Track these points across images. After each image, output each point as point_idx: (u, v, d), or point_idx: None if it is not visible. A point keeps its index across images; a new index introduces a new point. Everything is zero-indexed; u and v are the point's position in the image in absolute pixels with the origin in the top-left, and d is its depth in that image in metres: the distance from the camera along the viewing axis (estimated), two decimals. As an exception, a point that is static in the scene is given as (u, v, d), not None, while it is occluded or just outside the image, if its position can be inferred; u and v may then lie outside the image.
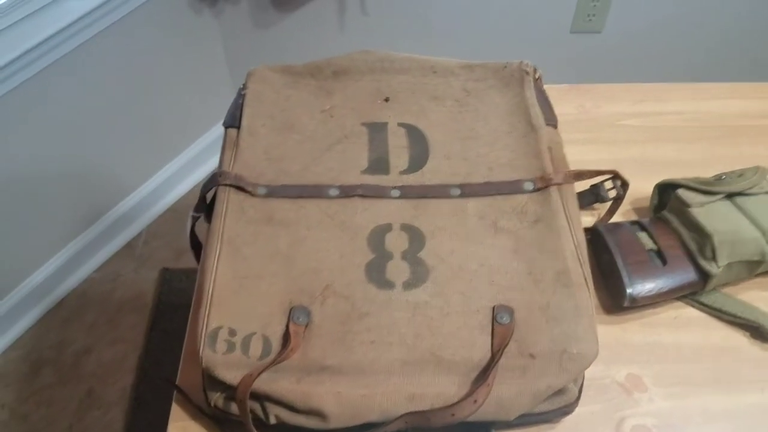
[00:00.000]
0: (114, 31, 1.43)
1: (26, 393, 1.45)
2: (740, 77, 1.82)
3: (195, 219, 0.66)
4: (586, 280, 0.55)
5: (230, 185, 0.61)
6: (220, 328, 0.52)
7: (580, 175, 0.63)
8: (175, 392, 0.57)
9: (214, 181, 0.62)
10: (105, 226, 1.65)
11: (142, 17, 1.49)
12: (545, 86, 0.83)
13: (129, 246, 1.72)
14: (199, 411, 0.55)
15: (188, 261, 1.66)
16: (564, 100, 0.83)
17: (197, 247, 0.69)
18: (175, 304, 1.58)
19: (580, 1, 1.68)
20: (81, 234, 1.61)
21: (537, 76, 0.73)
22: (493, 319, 0.54)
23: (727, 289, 0.63)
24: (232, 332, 0.52)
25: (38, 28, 1.26)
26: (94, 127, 1.51)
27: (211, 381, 0.52)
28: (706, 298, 0.62)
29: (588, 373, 0.58)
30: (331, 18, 1.71)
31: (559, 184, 0.62)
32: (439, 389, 0.51)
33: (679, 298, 0.63)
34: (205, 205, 0.65)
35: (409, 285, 0.56)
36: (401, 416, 0.49)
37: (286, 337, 0.52)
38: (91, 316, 1.58)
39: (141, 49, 1.53)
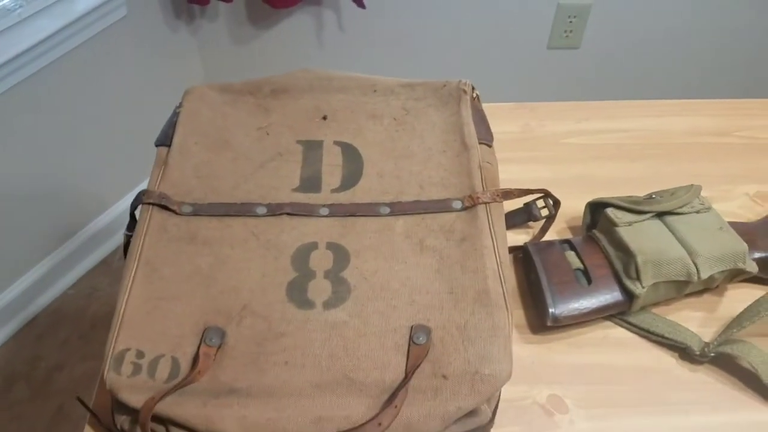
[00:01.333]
0: (89, 47, 1.44)
1: (-3, 409, 1.45)
2: (718, 92, 1.82)
3: (128, 237, 0.66)
4: (505, 300, 0.55)
5: (153, 204, 0.61)
6: (127, 350, 0.52)
7: (509, 194, 0.63)
8: (88, 414, 0.56)
9: (138, 199, 0.62)
10: (80, 242, 1.65)
11: (118, 34, 1.50)
12: (495, 104, 0.83)
13: (104, 262, 1.72)
14: (109, 433, 0.54)
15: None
16: (509, 118, 0.83)
17: (134, 265, 0.69)
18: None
19: (557, 18, 1.68)
20: (56, 250, 1.61)
21: (474, 95, 0.73)
22: (410, 338, 0.53)
23: (658, 309, 0.62)
24: (140, 354, 0.52)
25: (5, 47, 1.27)
26: (69, 143, 1.51)
27: (118, 404, 0.51)
28: (634, 318, 0.61)
29: (508, 393, 0.57)
30: (309, 34, 1.72)
31: (487, 203, 0.62)
32: (347, 412, 0.50)
33: (608, 318, 0.62)
34: (135, 222, 0.64)
35: (328, 304, 0.55)
36: (306, 439, 0.49)
37: (196, 359, 0.52)
38: (64, 333, 1.58)
39: (117, 66, 1.54)
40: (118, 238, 1.75)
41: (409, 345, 0.53)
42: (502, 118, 0.81)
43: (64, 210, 1.59)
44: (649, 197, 0.64)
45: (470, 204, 0.62)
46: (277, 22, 1.70)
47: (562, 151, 0.79)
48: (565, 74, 1.80)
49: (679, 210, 0.63)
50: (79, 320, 1.60)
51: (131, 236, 0.66)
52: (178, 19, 1.65)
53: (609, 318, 0.62)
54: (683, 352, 0.60)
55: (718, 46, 1.72)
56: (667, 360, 0.60)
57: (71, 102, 1.47)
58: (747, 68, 1.78)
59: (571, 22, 1.69)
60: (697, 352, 0.58)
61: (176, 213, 0.61)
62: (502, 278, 0.56)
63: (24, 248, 1.54)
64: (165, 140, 0.68)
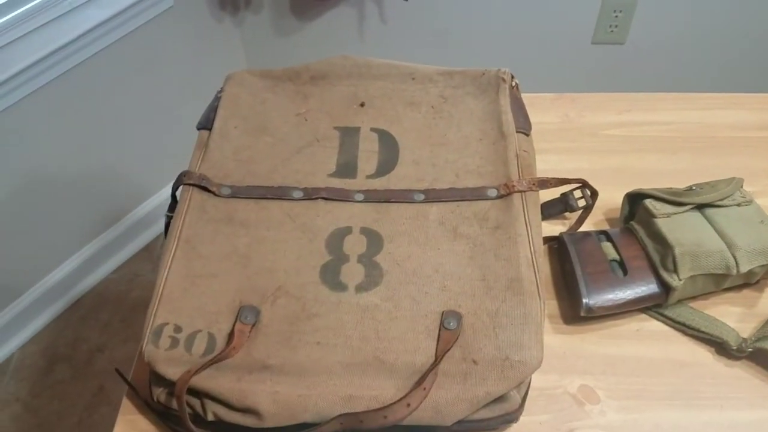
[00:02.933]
0: (136, 37, 1.47)
1: (40, 387, 1.50)
2: (764, 87, 1.77)
3: (169, 218, 0.68)
4: (538, 288, 0.55)
5: (193, 185, 0.63)
6: (165, 324, 0.53)
7: (545, 182, 0.63)
8: (126, 387, 0.58)
9: (179, 180, 0.63)
10: (124, 229, 1.70)
11: (164, 24, 1.53)
12: (534, 94, 0.82)
13: (147, 248, 1.76)
14: (146, 405, 0.56)
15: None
16: (549, 108, 0.82)
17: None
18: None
19: (602, 12, 1.66)
20: (100, 235, 1.66)
21: (513, 84, 0.72)
22: (441, 323, 0.53)
23: (695, 303, 0.61)
24: (178, 329, 0.53)
25: (55, 36, 1.31)
26: (115, 131, 1.55)
27: (156, 376, 0.53)
28: (670, 312, 0.60)
29: (539, 382, 0.57)
30: (351, 26, 1.73)
31: (522, 192, 0.61)
32: (376, 392, 0.51)
33: (643, 311, 0.61)
34: (176, 204, 0.66)
35: (361, 288, 0.56)
36: (336, 417, 0.49)
37: (231, 336, 0.53)
38: (106, 315, 1.62)
39: (163, 56, 1.57)
40: (161, 225, 1.79)
41: (439, 330, 0.53)
42: (541, 108, 0.80)
43: (109, 196, 1.63)
44: (690, 189, 0.63)
45: (505, 192, 0.61)
46: (320, 14, 1.71)
47: (601, 142, 0.78)
48: (609, 70, 1.77)
49: (720, 202, 0.61)
50: (121, 304, 1.64)
51: (171, 217, 0.68)
52: (223, 10, 1.68)
53: (644, 310, 0.61)
54: (720, 347, 0.58)
55: (765, 41, 1.67)
56: (703, 354, 0.58)
57: (117, 91, 1.51)
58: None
59: (616, 16, 1.67)
60: (734, 348, 0.57)
61: (215, 194, 0.62)
62: (536, 267, 0.56)
63: (70, 233, 1.58)
64: (206, 124, 0.69)
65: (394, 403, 0.49)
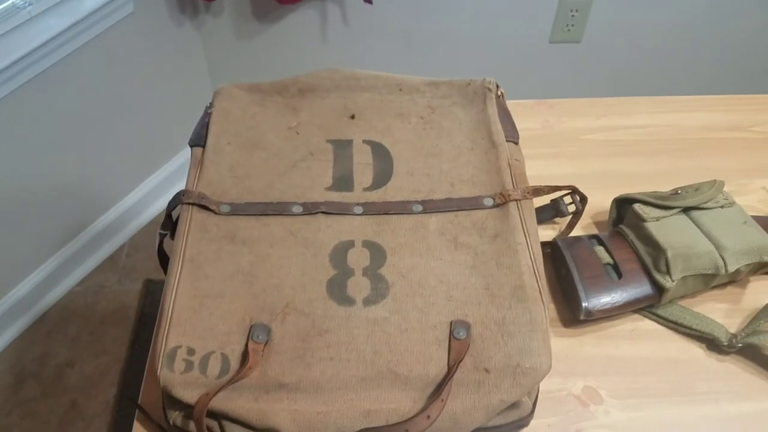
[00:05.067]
0: (94, 46, 1.44)
1: (10, 406, 1.45)
2: (721, 88, 1.84)
3: (162, 236, 0.67)
4: (541, 294, 0.57)
5: (193, 204, 0.62)
6: (178, 347, 0.53)
7: (539, 190, 0.65)
8: (136, 410, 0.57)
9: (177, 199, 0.63)
10: (87, 239, 1.66)
11: (125, 31, 1.49)
12: (514, 101, 0.84)
13: (112, 259, 1.72)
14: (159, 429, 0.55)
15: (171, 273, 1.66)
16: (529, 115, 0.84)
17: (166, 263, 0.70)
18: (158, 315, 1.58)
19: (559, 11, 1.70)
20: (63, 247, 1.61)
21: (499, 93, 0.74)
22: (450, 334, 0.55)
23: (684, 302, 0.64)
24: (191, 351, 0.53)
25: (15, 45, 1.27)
26: (75, 141, 1.51)
27: (170, 399, 0.53)
28: (662, 311, 0.63)
29: (544, 385, 0.59)
30: (313, 29, 1.73)
31: (518, 200, 0.63)
32: (394, 405, 0.52)
33: (636, 311, 0.64)
34: (171, 222, 0.66)
35: (369, 301, 0.57)
36: (357, 432, 0.50)
37: (244, 356, 0.53)
38: (73, 329, 1.58)
39: (122, 63, 1.54)
40: (125, 235, 1.76)
41: (449, 340, 0.54)
42: (521, 114, 0.82)
43: (71, 208, 1.59)
44: (675, 192, 0.66)
45: (501, 201, 0.63)
46: (282, 17, 1.70)
47: (582, 147, 0.80)
48: (566, 68, 1.81)
49: (705, 205, 0.64)
50: (88, 317, 1.61)
51: (165, 235, 0.67)
52: (183, 14, 1.65)
53: (637, 311, 0.64)
54: (710, 343, 0.62)
55: (721, 41, 1.74)
56: (695, 351, 0.62)
57: (78, 99, 1.47)
58: (749, 63, 1.80)
59: (573, 15, 1.71)
60: (725, 343, 0.60)
61: (215, 213, 0.62)
62: (537, 274, 0.58)
63: (31, 246, 1.54)
64: (199, 140, 0.69)
65: (415, 416, 0.50)
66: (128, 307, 1.62)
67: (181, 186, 1.86)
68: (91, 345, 1.56)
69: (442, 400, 0.50)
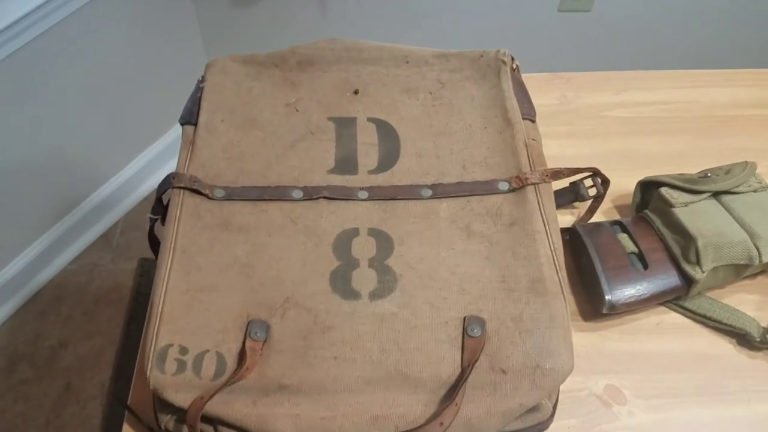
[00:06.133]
0: (82, 15, 1.37)
1: (2, 388, 1.42)
2: (736, 62, 1.78)
3: (153, 221, 0.63)
4: (562, 288, 0.52)
5: (184, 188, 0.57)
6: (170, 346, 0.49)
7: (558, 173, 0.60)
8: (126, 412, 0.53)
9: (167, 183, 0.58)
10: (80, 217, 1.61)
11: (112, 1, 1.43)
12: (527, 74, 0.79)
13: (105, 236, 1.68)
14: (150, 433, 0.51)
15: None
16: (545, 89, 0.79)
17: (158, 249, 0.66)
18: (153, 295, 1.54)
19: (568, -21, 1.63)
20: (55, 225, 1.57)
21: (514, 66, 0.69)
22: (464, 331, 0.51)
23: (713, 293, 0.60)
24: (183, 350, 0.49)
25: (7, 11, 1.21)
26: (65, 115, 1.46)
27: (162, 402, 0.49)
28: (690, 303, 0.59)
29: (564, 384, 0.54)
30: (311, -1, 1.66)
31: (535, 184, 0.59)
32: (404, 409, 0.48)
33: (662, 303, 0.60)
34: (162, 206, 0.61)
35: (375, 295, 0.53)
36: (363, 440, 0.46)
37: (242, 355, 0.49)
38: (67, 309, 1.55)
39: (113, 35, 1.48)
40: (118, 212, 1.71)
41: (463, 338, 0.50)
42: (536, 89, 0.77)
43: (63, 184, 1.54)
44: (704, 175, 0.62)
45: (518, 185, 0.59)
46: (279, -14, 1.63)
47: (601, 124, 0.75)
48: (576, 39, 1.75)
49: (736, 189, 0.60)
50: (82, 296, 1.57)
51: (156, 220, 0.63)
52: (176, -17, 1.58)
53: (663, 303, 0.60)
54: (741, 338, 0.58)
55: (745, 7, 1.67)
56: (725, 346, 0.58)
57: (67, 72, 1.41)
58: (763, 35, 1.74)
59: (582, -16, 1.64)
60: (758, 339, 0.56)
61: (208, 197, 0.58)
62: (557, 265, 0.54)
63: (23, 224, 1.49)
64: (190, 118, 0.64)
65: (427, 423, 0.46)
66: (123, 287, 1.58)
67: (176, 161, 1.81)
68: (85, 325, 1.52)
69: (456, 404, 0.46)
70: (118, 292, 1.57)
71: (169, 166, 1.81)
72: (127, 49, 1.53)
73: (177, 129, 1.79)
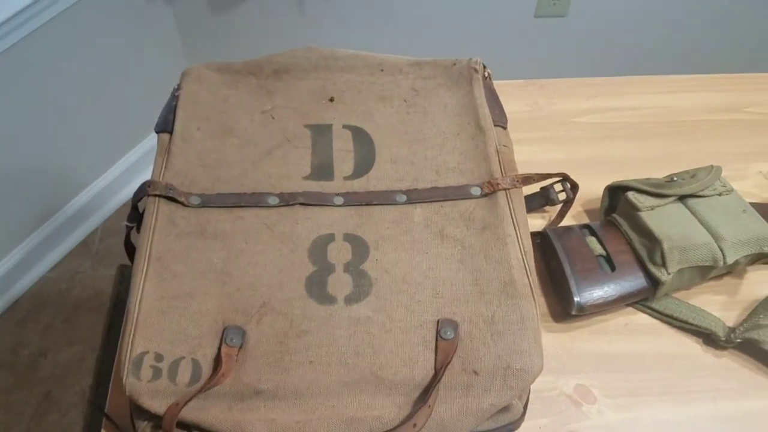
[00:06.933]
0: (58, 23, 1.37)
1: (-20, 398, 1.41)
2: (708, 67, 1.80)
3: (129, 229, 0.63)
4: (532, 290, 0.53)
5: (160, 195, 0.58)
6: (145, 353, 0.49)
7: (529, 179, 0.61)
8: (103, 419, 0.54)
9: (143, 191, 0.59)
10: (59, 224, 1.60)
11: (91, 7, 1.43)
12: (501, 81, 0.81)
13: (85, 243, 1.67)
14: (127, 439, 0.52)
15: (147, 257, 1.62)
16: (517, 96, 0.80)
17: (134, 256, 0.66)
18: (134, 302, 1.54)
19: (544, -15, 1.65)
20: (34, 232, 1.56)
21: (486, 74, 0.70)
22: (437, 334, 0.52)
23: (679, 294, 0.62)
24: (159, 357, 0.49)
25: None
26: (43, 122, 1.45)
27: (138, 409, 0.49)
28: (657, 304, 0.60)
29: (535, 384, 0.56)
30: (291, 3, 1.67)
31: (506, 189, 0.60)
32: (378, 412, 0.48)
33: (630, 304, 0.61)
34: (137, 214, 0.61)
35: (351, 299, 0.54)
36: (338, 442, 0.47)
37: (217, 361, 0.49)
38: (46, 317, 1.54)
39: (91, 41, 1.47)
40: (97, 219, 1.70)
41: (436, 340, 0.51)
42: (509, 95, 0.79)
43: (41, 191, 1.53)
44: (670, 179, 0.63)
45: (489, 190, 0.60)
46: (258, -9, 1.64)
47: (573, 130, 0.77)
48: (553, 44, 1.77)
49: (701, 193, 0.61)
50: (62, 304, 1.56)
51: (132, 227, 0.63)
52: (154, -12, 1.58)
53: (631, 304, 0.61)
54: (707, 338, 0.59)
55: (715, 16, 1.70)
56: (691, 346, 0.59)
57: (45, 79, 1.41)
58: (745, 39, 1.76)
59: (558, -10, 1.66)
60: (723, 338, 0.57)
61: (184, 205, 0.58)
62: (528, 268, 0.55)
63: (1, 232, 1.48)
64: (166, 126, 0.64)
65: (400, 424, 0.47)
66: (103, 293, 1.57)
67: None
68: (66, 333, 1.51)
69: (429, 405, 0.47)
70: (98, 299, 1.56)
71: (149, 173, 1.80)
72: (104, 57, 1.53)
73: (155, 136, 1.79)
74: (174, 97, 0.67)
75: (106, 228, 1.70)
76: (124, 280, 1.59)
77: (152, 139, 1.78)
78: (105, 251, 1.65)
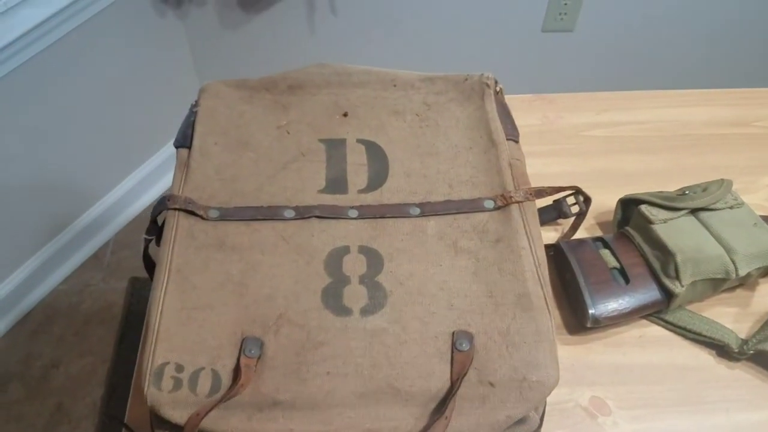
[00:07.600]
0: (73, 38, 1.39)
1: (-8, 409, 1.42)
2: (714, 82, 1.82)
3: (147, 242, 0.64)
4: (546, 303, 0.54)
5: (179, 209, 0.59)
6: (166, 364, 0.50)
7: (542, 192, 0.62)
8: (123, 429, 0.54)
9: (163, 205, 0.60)
10: (71, 236, 1.62)
11: (105, 22, 1.45)
12: (511, 95, 0.81)
13: (96, 256, 1.68)
14: (147, 449, 0.52)
15: (158, 270, 1.63)
16: (527, 110, 0.81)
17: (152, 269, 0.67)
18: (144, 314, 1.54)
19: (552, 0, 1.67)
20: (46, 245, 1.57)
21: (498, 89, 0.71)
22: (452, 345, 0.52)
23: (692, 306, 0.62)
24: (179, 368, 0.50)
25: (4, 31, 1.22)
26: (57, 136, 1.47)
27: (158, 419, 0.50)
28: (671, 317, 0.61)
29: (551, 396, 0.56)
30: (299, 18, 1.69)
31: (519, 202, 0.60)
32: (395, 423, 0.49)
33: (644, 317, 0.62)
34: (156, 227, 0.62)
35: (366, 311, 0.54)
36: (356, 453, 0.48)
37: (236, 371, 0.50)
38: (58, 329, 1.55)
39: (104, 55, 1.50)
40: (109, 232, 1.72)
41: (452, 352, 0.52)
42: (519, 109, 0.80)
43: (54, 204, 1.55)
44: (682, 193, 0.64)
45: (503, 203, 0.60)
46: (268, 6, 1.66)
47: (582, 144, 0.78)
48: (560, 58, 1.79)
49: (713, 206, 0.62)
50: (73, 316, 1.57)
51: (150, 240, 0.64)
52: (166, 4, 1.60)
53: (645, 316, 0.61)
54: (720, 350, 0.59)
55: (722, 30, 1.71)
56: (705, 358, 0.59)
57: (59, 93, 1.43)
58: (752, 54, 1.77)
59: (566, 4, 1.68)
60: (736, 350, 0.58)
61: (203, 218, 0.59)
62: (542, 280, 0.56)
63: (13, 244, 1.50)
64: (184, 141, 0.66)
65: (418, 435, 0.47)
66: (114, 306, 1.58)
67: (166, 181, 1.82)
68: (77, 345, 1.52)
69: (446, 417, 0.48)
70: (109, 311, 1.58)
71: (160, 186, 1.82)
72: (116, 72, 1.55)
73: (167, 149, 1.80)
74: (192, 113, 0.68)
75: (118, 241, 1.72)
76: (135, 293, 1.61)
77: (163, 153, 1.80)
78: (116, 264, 1.67)
